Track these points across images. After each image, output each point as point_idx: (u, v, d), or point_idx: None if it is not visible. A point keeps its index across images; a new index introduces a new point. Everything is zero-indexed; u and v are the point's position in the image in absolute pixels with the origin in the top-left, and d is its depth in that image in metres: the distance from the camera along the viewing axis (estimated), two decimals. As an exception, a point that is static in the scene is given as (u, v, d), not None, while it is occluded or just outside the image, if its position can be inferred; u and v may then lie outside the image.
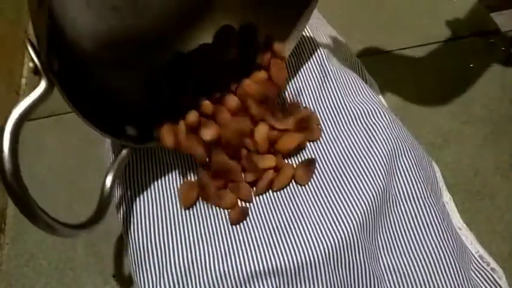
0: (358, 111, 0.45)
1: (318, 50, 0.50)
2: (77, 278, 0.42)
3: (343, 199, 0.40)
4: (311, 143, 0.46)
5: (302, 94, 0.48)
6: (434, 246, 0.38)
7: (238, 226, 0.41)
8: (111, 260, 0.43)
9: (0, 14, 0.56)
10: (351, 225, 0.38)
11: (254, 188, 0.43)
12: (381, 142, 0.42)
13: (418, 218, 0.40)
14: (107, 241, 0.45)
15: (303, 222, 0.39)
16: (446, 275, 0.37)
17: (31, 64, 0.24)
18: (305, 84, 0.50)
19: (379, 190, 0.40)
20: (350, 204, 0.39)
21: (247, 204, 0.42)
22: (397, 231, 0.40)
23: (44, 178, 0.50)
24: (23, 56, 0.60)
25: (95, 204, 0.47)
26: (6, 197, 0.48)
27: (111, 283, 0.42)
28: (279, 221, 0.40)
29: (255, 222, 0.41)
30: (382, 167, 0.41)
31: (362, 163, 0.42)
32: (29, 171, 0.50)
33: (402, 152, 0.42)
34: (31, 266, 0.43)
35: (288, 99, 0.47)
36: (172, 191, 0.42)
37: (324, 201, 0.41)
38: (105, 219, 0.46)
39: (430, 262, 0.38)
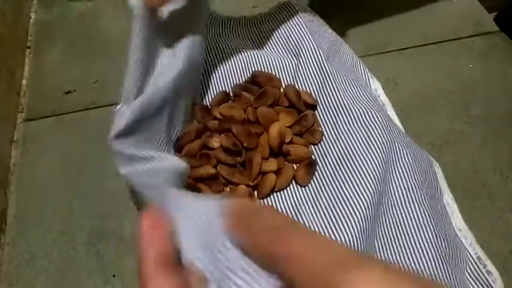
0: (357, 112, 0.45)
1: (318, 52, 0.50)
2: (78, 277, 0.42)
3: (343, 201, 0.40)
4: (311, 144, 0.46)
5: (301, 95, 0.48)
6: (425, 250, 0.38)
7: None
8: (112, 259, 0.44)
9: (0, 14, 0.56)
10: (351, 229, 0.38)
11: (255, 192, 0.43)
12: (379, 144, 0.42)
13: (410, 222, 0.40)
14: (108, 241, 0.45)
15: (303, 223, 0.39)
16: (436, 279, 0.37)
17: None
18: (305, 85, 0.50)
19: (377, 193, 0.40)
20: (350, 207, 0.39)
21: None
22: (390, 235, 0.40)
23: (44, 178, 0.50)
24: (23, 57, 0.60)
25: (95, 204, 0.48)
26: (7, 197, 0.48)
27: (111, 283, 0.42)
28: (278, 221, 0.40)
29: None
30: (380, 169, 0.41)
31: (360, 165, 0.42)
32: (29, 171, 0.51)
33: (399, 154, 0.42)
34: (32, 266, 0.43)
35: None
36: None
37: (323, 203, 0.41)
38: (105, 220, 0.46)
39: (419, 267, 0.38)
